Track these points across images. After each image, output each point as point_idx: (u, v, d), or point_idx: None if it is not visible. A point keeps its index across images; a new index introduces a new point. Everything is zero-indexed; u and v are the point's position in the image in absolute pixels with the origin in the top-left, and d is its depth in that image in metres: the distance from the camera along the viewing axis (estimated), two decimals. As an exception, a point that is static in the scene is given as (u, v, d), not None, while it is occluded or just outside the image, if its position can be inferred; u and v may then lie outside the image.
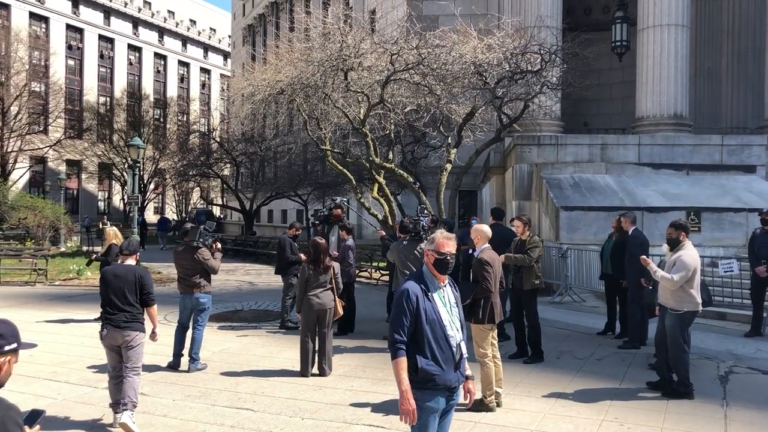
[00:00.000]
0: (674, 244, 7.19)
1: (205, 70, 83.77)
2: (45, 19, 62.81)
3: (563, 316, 12.05)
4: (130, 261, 6.52)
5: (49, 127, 49.02)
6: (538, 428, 5.99)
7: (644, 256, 7.53)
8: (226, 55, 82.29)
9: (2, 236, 30.07)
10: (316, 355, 8.00)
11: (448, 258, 3.95)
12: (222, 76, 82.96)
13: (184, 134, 50.05)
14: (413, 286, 3.86)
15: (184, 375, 7.92)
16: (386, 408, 6.55)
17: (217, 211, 57.47)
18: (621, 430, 5.93)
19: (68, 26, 65.24)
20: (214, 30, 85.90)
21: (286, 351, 9.24)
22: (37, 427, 2.61)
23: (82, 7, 66.56)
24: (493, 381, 6.44)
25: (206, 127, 55.05)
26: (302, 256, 10.82)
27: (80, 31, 66.64)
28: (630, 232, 9.61)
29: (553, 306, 13.13)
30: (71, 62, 65.26)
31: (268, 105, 19.72)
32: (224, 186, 41.67)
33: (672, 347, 7.02)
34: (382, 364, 8.38)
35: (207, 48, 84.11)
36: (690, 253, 6.98)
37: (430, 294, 3.86)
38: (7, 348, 2.56)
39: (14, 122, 41.58)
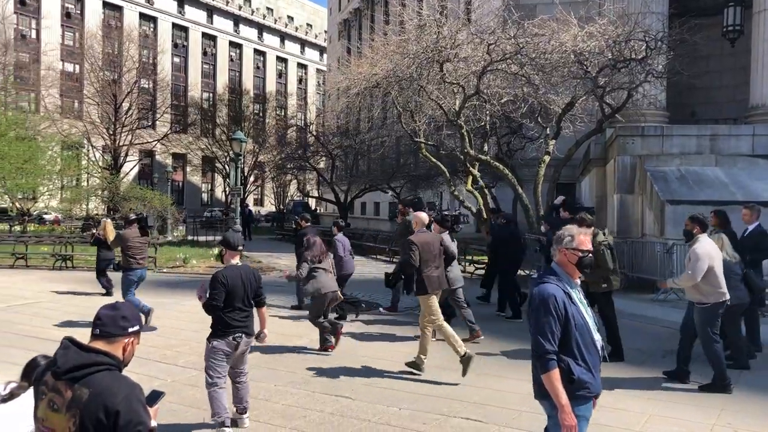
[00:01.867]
0: (689, 237, 7.28)
1: (301, 66, 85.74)
2: (153, 19, 66.18)
3: (667, 314, 11.51)
4: (237, 259, 5.89)
5: (157, 122, 51.58)
6: (644, 429, 5.76)
7: (666, 281, 7.38)
8: (322, 51, 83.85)
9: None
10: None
11: (590, 256, 3.75)
12: (318, 71, 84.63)
13: (282, 128, 51.36)
14: (557, 290, 3.58)
15: (284, 361, 8.14)
16: (483, 401, 6.50)
17: (312, 202, 58.79)
18: (735, 436, 5.62)
19: (174, 25, 68.45)
20: (311, 26, 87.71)
21: (381, 341, 9.34)
22: (157, 407, 2.74)
23: (187, 7, 69.63)
24: (428, 346, 7.65)
25: (303, 122, 56.34)
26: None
27: (185, 29, 69.77)
28: (754, 227, 8.89)
29: (657, 304, 12.60)
30: (177, 59, 68.44)
31: (363, 98, 19.94)
32: (320, 178, 42.51)
33: (704, 343, 7.03)
34: (482, 359, 8.32)
35: (304, 44, 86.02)
36: (702, 245, 6.99)
37: (573, 296, 3.62)
38: (131, 330, 2.71)
39: (126, 118, 43.99)
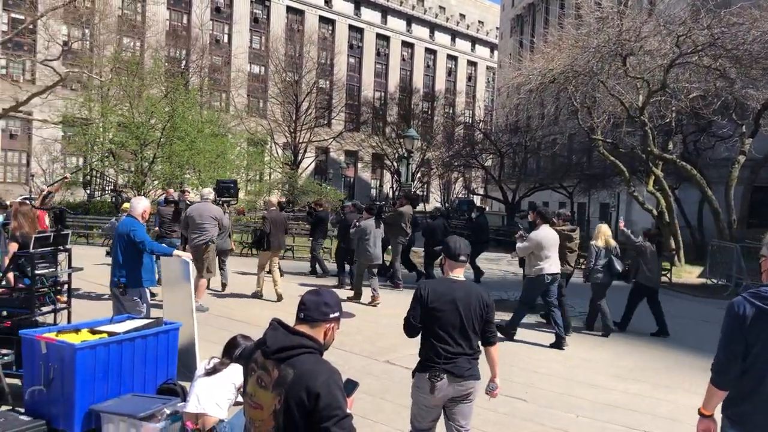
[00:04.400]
0: (532, 226, 9.21)
1: (471, 63, 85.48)
2: (332, 22, 69.18)
3: None
4: (459, 273, 4.31)
5: (332, 121, 53.92)
6: None
7: None
8: (492, 47, 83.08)
9: (293, 217, 33.97)
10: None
11: None
12: (488, 68, 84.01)
13: (450, 126, 51.57)
14: None
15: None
16: (669, 415, 6.12)
17: (477, 200, 58.61)
18: None
19: (350, 27, 71.05)
20: (482, 23, 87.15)
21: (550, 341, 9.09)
22: (353, 398, 2.80)
23: (363, 8, 72.07)
24: (261, 282, 11.76)
25: (471, 119, 56.20)
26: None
27: (360, 30, 72.22)
28: None
29: None
30: (351, 60, 70.99)
31: (538, 94, 19.46)
32: (487, 176, 42.21)
33: (520, 301, 9.32)
34: (663, 369, 7.84)
35: (474, 41, 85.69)
36: (538, 233, 8.84)
37: None
38: (331, 315, 2.81)
39: (305, 116, 46.49)
